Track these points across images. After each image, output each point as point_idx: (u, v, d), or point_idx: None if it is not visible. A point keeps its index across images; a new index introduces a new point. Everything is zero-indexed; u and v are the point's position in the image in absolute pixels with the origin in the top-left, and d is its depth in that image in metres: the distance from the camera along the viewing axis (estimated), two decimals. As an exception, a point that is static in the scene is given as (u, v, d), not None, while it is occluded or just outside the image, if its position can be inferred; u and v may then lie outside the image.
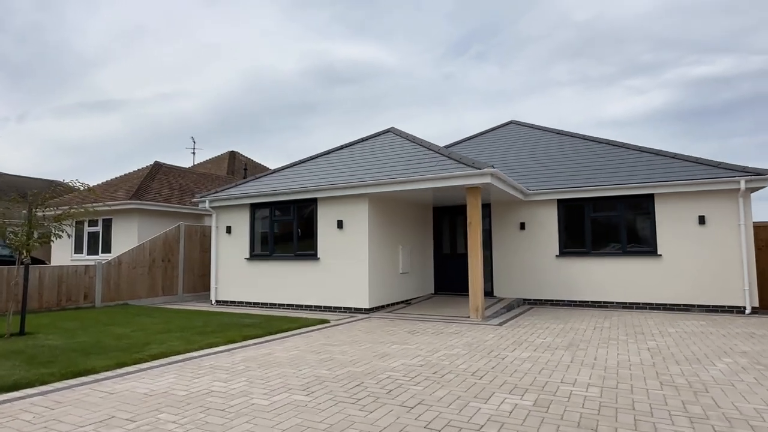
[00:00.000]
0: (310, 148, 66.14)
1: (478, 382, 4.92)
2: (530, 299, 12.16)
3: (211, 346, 6.79)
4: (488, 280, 12.91)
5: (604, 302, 11.36)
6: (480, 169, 9.12)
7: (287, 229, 11.86)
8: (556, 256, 11.93)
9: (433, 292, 13.54)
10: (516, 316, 9.87)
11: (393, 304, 11.52)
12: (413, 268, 12.61)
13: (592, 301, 11.48)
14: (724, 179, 10.20)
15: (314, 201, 11.32)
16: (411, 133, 13.12)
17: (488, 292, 12.81)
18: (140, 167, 17.55)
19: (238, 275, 12.27)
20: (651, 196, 11.08)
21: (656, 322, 9.00)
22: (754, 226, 10.66)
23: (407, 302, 11.93)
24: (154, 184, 15.90)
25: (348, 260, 10.72)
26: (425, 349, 6.60)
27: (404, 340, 7.29)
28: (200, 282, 14.17)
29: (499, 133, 16.50)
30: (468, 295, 12.71)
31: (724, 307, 10.32)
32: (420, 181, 9.67)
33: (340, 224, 10.85)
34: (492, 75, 66.15)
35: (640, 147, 12.41)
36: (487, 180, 9.13)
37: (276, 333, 7.86)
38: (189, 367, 5.68)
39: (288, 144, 68.01)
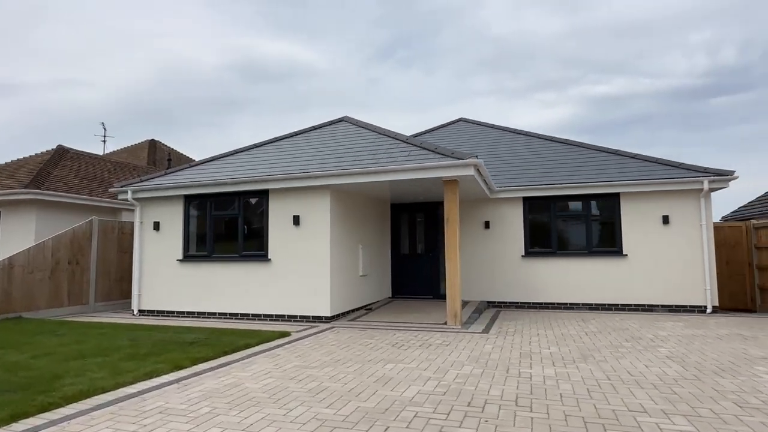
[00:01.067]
0: (232, 145, 62.34)
1: (536, 418, 3.80)
2: (495, 302, 11.39)
3: (151, 376, 5.04)
4: (450, 282, 11.98)
5: (570, 304, 10.87)
6: (462, 159, 8.09)
7: (231, 226, 10.07)
8: (522, 256, 11.27)
9: (390, 295, 12.36)
10: (493, 322, 8.97)
11: (353, 311, 10.17)
12: (371, 270, 11.34)
13: (558, 303, 10.94)
14: (688, 179, 10.07)
15: (265, 193, 9.67)
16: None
17: (450, 295, 11.86)
18: (39, 152, 14.56)
19: (168, 280, 10.24)
20: (617, 196, 10.76)
21: (637, 325, 8.52)
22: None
23: (367, 308, 10.64)
24: (58, 171, 13.16)
25: (306, 262, 9.21)
26: (429, 368, 5.39)
27: (394, 356, 6.02)
28: (117, 288, 11.81)
29: (451, 130, 15.72)
30: (430, 298, 11.76)
31: (686, 306, 10.20)
32: (397, 172, 8.44)
33: (296, 220, 9.31)
34: (416, 81, 66.62)
35: (601, 147, 12.15)
36: (470, 172, 8.12)
37: (231, 352, 6.22)
38: (126, 414, 3.99)
39: (207, 140, 63.56)
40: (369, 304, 11.04)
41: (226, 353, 6.11)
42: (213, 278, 9.89)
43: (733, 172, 9.96)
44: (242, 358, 5.93)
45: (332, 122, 12.35)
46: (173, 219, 10.34)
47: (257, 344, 6.72)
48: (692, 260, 10.20)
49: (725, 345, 6.57)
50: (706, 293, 10.05)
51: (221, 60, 56.67)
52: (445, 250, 8.70)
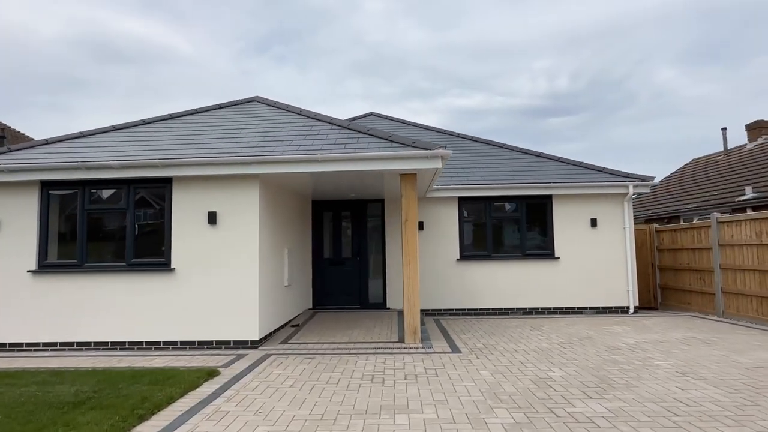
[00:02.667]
0: (75, 129, 52.96)
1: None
2: (429, 309, 10.33)
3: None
4: (379, 288, 10.63)
5: (506, 309, 10.28)
6: (429, 149, 6.81)
7: (115, 225, 7.42)
8: (457, 260, 10.40)
9: (311, 306, 10.57)
10: (447, 335, 7.84)
11: (280, 329, 8.24)
12: (294, 278, 9.48)
13: (493, 309, 10.28)
14: (615, 183, 10.14)
15: (168, 182, 7.27)
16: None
17: (380, 304, 10.52)
18: None
19: (14, 300, 7.19)
20: (549, 198, 10.47)
21: (591, 331, 8.11)
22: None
23: (293, 325, 8.77)
24: None
25: (225, 271, 7.09)
26: (456, 415, 3.97)
27: (390, 400, 4.47)
28: None
29: (364, 122, 14.38)
30: (357, 308, 10.10)
31: (611, 307, 10.26)
32: (352, 161, 6.81)
33: (212, 218, 7.12)
34: (291, 78, 64.19)
35: (533, 151, 11.90)
36: (437, 165, 6.88)
37: (149, 414, 4.06)
38: None
39: (44, 122, 53.25)
40: (293, 319, 9.17)
41: (141, 419, 3.94)
42: (88, 295, 7.16)
43: (653, 177, 10.29)
44: (172, 426, 3.85)
45: (241, 102, 10.22)
46: (23, 213, 7.31)
47: (182, 395, 4.60)
48: (616, 262, 10.30)
49: (708, 352, 6.29)
50: (629, 294, 10.21)
51: (64, 32, 47.79)
52: (403, 256, 7.32)
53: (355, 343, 7.15)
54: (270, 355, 6.49)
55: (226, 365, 5.89)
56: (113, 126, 8.77)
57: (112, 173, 7.05)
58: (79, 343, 7.12)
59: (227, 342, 7.01)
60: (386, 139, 7.39)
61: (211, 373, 5.34)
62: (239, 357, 6.38)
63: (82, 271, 7.18)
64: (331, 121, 8.53)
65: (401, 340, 7.29)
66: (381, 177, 7.86)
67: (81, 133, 8.51)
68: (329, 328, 8.39)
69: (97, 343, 7.11)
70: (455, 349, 6.68)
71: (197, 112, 9.60)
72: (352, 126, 8.12)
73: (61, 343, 7.13)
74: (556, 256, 10.32)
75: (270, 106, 9.89)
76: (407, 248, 7.20)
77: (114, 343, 7.09)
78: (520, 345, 6.94)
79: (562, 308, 10.23)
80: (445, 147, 6.88)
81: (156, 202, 7.32)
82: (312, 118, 8.87)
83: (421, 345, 6.95)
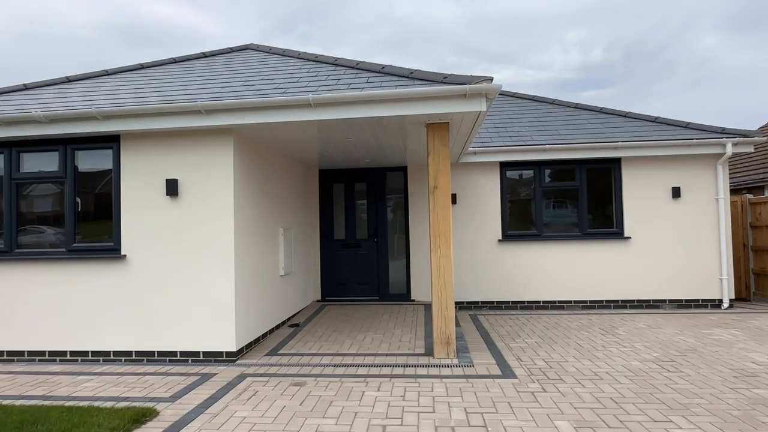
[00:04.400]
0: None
1: None
2: (464, 302, 8.27)
3: None
4: (402, 276, 8.63)
5: (560, 302, 8.12)
6: (468, 83, 4.63)
7: (50, 200, 5.61)
8: (499, 240, 8.25)
9: (319, 298, 8.66)
10: (491, 343, 5.78)
11: (272, 331, 6.35)
12: (296, 266, 7.56)
13: (545, 301, 8.13)
14: (708, 141, 7.69)
15: (115, 140, 5.38)
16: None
17: (403, 296, 8.53)
18: None
19: (-74, 296, 5.51)
20: (617, 162, 8.13)
21: (685, 336, 5.89)
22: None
23: (292, 324, 6.88)
24: None
25: (191, 258, 5.20)
26: None
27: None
28: None
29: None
30: (375, 301, 7.95)
31: (697, 301, 7.95)
32: (356, 104, 4.72)
33: (172, 187, 5.21)
34: (321, 53, 61.94)
35: (593, 106, 9.52)
36: (478, 107, 4.70)
37: None
38: None
39: (75, 105, 52.78)
40: (293, 316, 7.29)
41: None
42: (21, 292, 5.42)
43: (756, 132, 7.79)
44: None
45: (232, 50, 8.23)
46: (-64, 186, 5.58)
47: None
48: (706, 243, 7.94)
49: None
50: (723, 284, 7.87)
51: (95, 17, 46.75)
52: (431, 236, 5.27)
53: (365, 355, 5.19)
54: (246, 376, 4.59)
55: (174, 398, 4.01)
56: (66, 77, 6.94)
57: (40, 129, 5.19)
58: (10, 353, 5.41)
59: (195, 354, 5.16)
60: (406, 77, 5.25)
61: (138, 419, 3.46)
62: (203, 379, 4.51)
63: (12, 259, 5.42)
64: (335, 62, 6.44)
65: (429, 352, 5.28)
66: (402, 133, 5.76)
67: (24, 85, 6.70)
68: (336, 329, 6.46)
69: (32, 353, 5.38)
70: (506, 370, 4.62)
71: (175, 62, 7.67)
72: (362, 65, 6.00)
73: (-12, 353, 5.44)
74: (625, 235, 8.04)
75: (265, 52, 7.86)
76: (437, 226, 5.12)
77: (53, 353, 5.34)
78: (599, 363, 4.82)
79: (632, 301, 8.00)
80: (491, 80, 4.69)
81: (101, 169, 5.45)
82: (313, 60, 6.80)
83: (456, 361, 4.93)
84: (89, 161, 5.45)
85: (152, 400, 3.96)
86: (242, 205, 5.40)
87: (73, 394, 4.15)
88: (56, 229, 5.47)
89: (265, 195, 6.20)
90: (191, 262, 5.17)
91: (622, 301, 8.01)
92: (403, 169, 8.60)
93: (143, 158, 5.30)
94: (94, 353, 5.28)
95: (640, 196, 8.04)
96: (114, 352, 5.26)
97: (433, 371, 4.60)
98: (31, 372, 4.91)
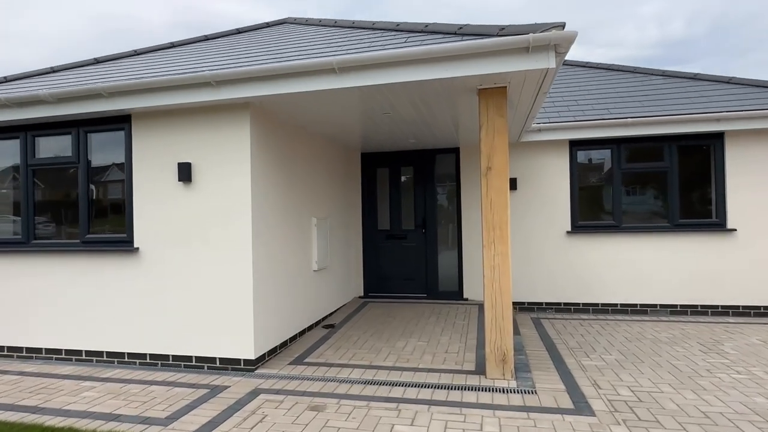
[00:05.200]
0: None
1: None
2: (525, 303, 7.18)
3: None
4: (453, 271, 7.65)
5: (642, 305, 6.80)
6: (531, 32, 3.55)
7: (65, 187, 5.18)
8: (567, 233, 7.04)
9: (361, 294, 7.90)
10: (556, 359, 4.71)
11: (302, 334, 5.65)
12: (333, 260, 6.82)
13: (623, 304, 6.85)
14: None
15: (125, 121, 4.84)
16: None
17: (454, 294, 7.56)
18: None
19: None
20: (719, 137, 6.62)
21: (826, 360, 4.50)
22: None
23: (327, 325, 6.14)
24: None
25: (206, 253, 4.56)
26: None
27: None
28: None
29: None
30: (423, 299, 7.05)
31: (825, 309, 6.34)
32: (389, 65, 3.80)
33: (184, 172, 4.58)
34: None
35: (684, 73, 7.95)
36: (546, 62, 3.61)
37: None
38: None
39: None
40: (328, 316, 6.56)
41: None
42: (38, 285, 5.06)
43: None
44: None
45: (268, 24, 7.56)
46: (-42, 174, 5.33)
47: None
48: (839, 237, 6.29)
49: None
50: None
51: (171, 18, 48.81)
52: (483, 229, 4.32)
53: (403, 369, 4.32)
54: (260, 392, 3.89)
55: (170, 419, 3.37)
56: (95, 59, 6.55)
57: (49, 110, 4.73)
58: (30, 349, 5.08)
59: (211, 360, 4.54)
60: (453, 33, 4.23)
61: (112, 452, 2.82)
62: (211, 394, 3.85)
63: (29, 251, 5.06)
64: (373, 26, 5.53)
65: (480, 369, 4.32)
66: (449, 104, 4.77)
67: (52, 68, 6.38)
68: (375, 332, 5.64)
69: (49, 350, 5.02)
70: (580, 402, 3.57)
71: (207, 39, 7.11)
72: (403, 26, 5.04)
73: (9, 348, 5.14)
74: (728, 227, 6.56)
75: (301, 24, 7.11)
76: (491, 216, 4.11)
77: (69, 352, 4.94)
78: (707, 396, 3.64)
79: (736, 308, 6.53)
80: (563, 26, 3.58)
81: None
82: (349, 27, 5.94)
83: (514, 383, 3.94)
84: (102, 146, 4.95)
85: (144, 421, 3.34)
86: (263, 192, 4.68)
87: (66, 407, 3.63)
88: (71, 219, 5.03)
89: (293, 181, 5.46)
90: (205, 256, 4.53)
91: (723, 306, 6.57)
92: (455, 151, 7.57)
93: (155, 141, 4.71)
94: (110, 354, 4.82)
95: (747, 178, 6.50)
96: (129, 354, 4.76)
97: (484, 398, 3.65)
98: (40, 374, 4.51)
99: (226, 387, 4.02)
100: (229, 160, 4.50)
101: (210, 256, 4.52)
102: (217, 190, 4.52)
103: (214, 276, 4.51)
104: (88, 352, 4.87)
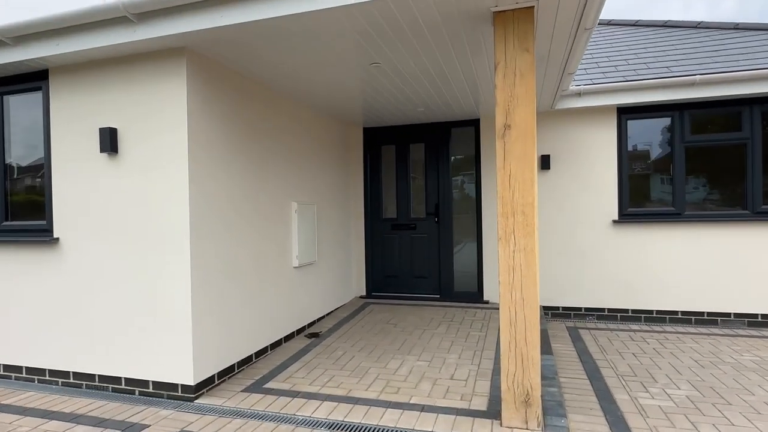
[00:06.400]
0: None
1: None
2: (559, 308, 5.84)
3: None
4: (471, 268, 6.37)
5: (711, 314, 5.34)
6: None
7: (-18, 162, 4.22)
8: (614, 221, 5.64)
9: (364, 294, 6.72)
10: (603, 398, 3.41)
11: (279, 343, 4.53)
12: (325, 254, 5.66)
13: (684, 312, 5.41)
14: None
15: (42, 78, 3.80)
16: None
17: (472, 294, 6.28)
18: None
19: None
20: (820, 98, 5.05)
21: None
22: None
23: (311, 334, 5.00)
24: None
25: (134, 243, 3.49)
26: None
27: None
28: None
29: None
30: (436, 300, 5.84)
31: None
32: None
33: (107, 140, 3.49)
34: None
35: (741, 23, 6.39)
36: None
37: None
38: None
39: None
40: (317, 321, 5.42)
41: None
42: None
43: None
44: None
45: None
46: None
47: None
48: None
49: None
50: None
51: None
52: (498, 213, 3.17)
53: (388, 405, 3.13)
54: (185, 437, 2.79)
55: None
56: None
57: (-50, 66, 3.74)
58: (-53, 360, 4.17)
59: (144, 384, 3.48)
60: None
61: None
62: (115, 441, 2.78)
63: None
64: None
65: (494, 410, 3.08)
66: (458, 44, 3.49)
67: None
68: (367, 345, 4.47)
69: (-32, 362, 4.09)
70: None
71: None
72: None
73: (-75, 358, 4.25)
74: (830, 215, 5.01)
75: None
76: (510, 195, 2.84)
77: (-12, 365, 4.01)
78: None
79: (839, 318, 4.99)
80: None
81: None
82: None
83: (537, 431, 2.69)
84: (22, 113, 3.95)
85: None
86: (209, 171, 3.55)
87: None
88: (-11, 203, 4.06)
89: (266, 157, 4.32)
90: (132, 251, 3.46)
91: (821, 317, 5.05)
92: (474, 123, 6.25)
93: (78, 102, 3.65)
94: (29, 369, 3.85)
95: None
96: (49, 371, 3.77)
97: (496, 466, 2.42)
98: (-65, 396, 3.57)
99: (145, 427, 2.94)
100: (162, 127, 3.39)
101: (137, 251, 3.45)
102: (147, 164, 3.43)
103: (143, 277, 3.44)
104: (7, 367, 3.91)
